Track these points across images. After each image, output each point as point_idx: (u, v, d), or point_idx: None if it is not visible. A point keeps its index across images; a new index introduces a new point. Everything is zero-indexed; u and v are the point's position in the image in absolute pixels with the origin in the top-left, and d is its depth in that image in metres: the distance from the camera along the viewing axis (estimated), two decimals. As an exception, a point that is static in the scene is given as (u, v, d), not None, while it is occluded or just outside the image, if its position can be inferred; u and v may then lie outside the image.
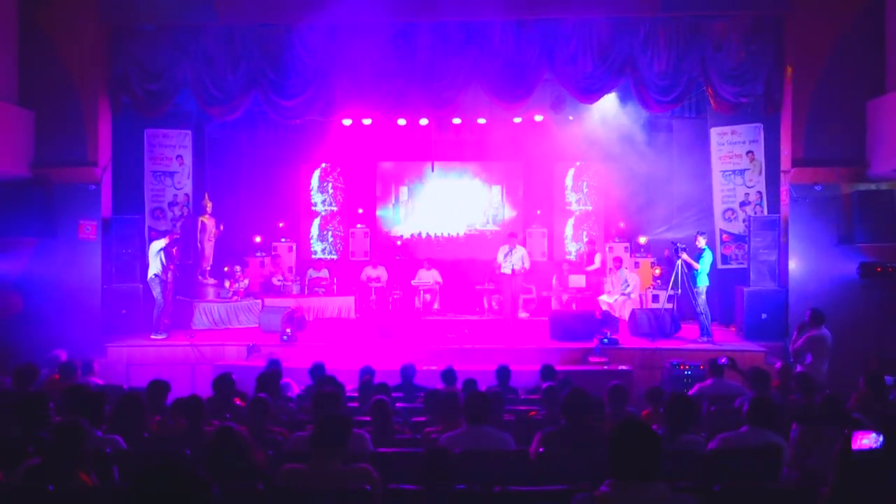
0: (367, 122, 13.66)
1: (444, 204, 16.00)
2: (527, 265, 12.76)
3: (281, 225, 15.48)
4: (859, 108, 10.49)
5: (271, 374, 6.93)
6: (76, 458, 3.96)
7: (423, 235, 16.03)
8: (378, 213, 16.11)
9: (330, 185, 16.07)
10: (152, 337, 11.24)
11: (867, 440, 3.02)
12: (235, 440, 4.07)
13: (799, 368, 8.52)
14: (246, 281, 13.48)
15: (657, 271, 13.50)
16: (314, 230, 16.04)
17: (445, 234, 16.00)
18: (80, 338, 10.50)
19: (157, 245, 11.38)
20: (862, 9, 10.51)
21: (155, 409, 6.06)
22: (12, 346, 10.19)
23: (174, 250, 11.61)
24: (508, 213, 15.96)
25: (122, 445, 4.91)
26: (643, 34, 11.00)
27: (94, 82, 11.23)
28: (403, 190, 16.11)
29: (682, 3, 10.78)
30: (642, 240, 14.43)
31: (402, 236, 15.99)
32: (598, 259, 14.26)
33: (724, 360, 7.73)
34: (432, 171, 15.24)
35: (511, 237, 13.02)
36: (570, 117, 13.43)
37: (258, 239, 15.00)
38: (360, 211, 16.03)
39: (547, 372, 7.82)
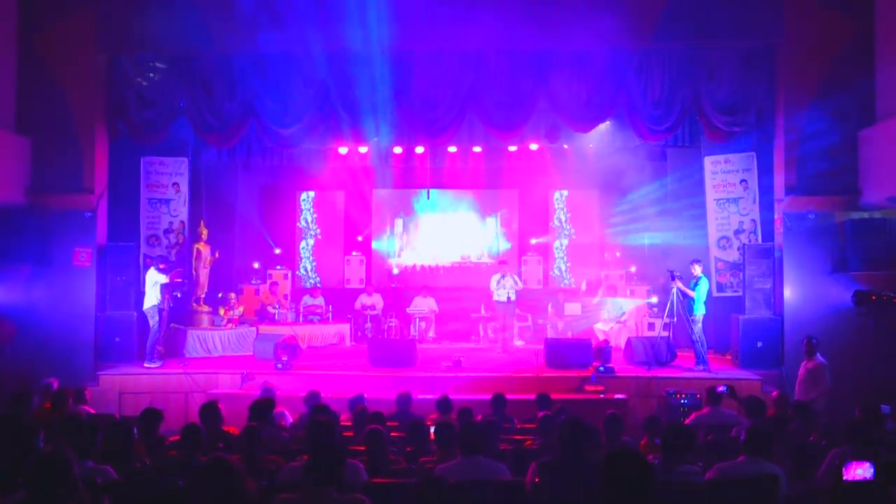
0: (363, 150, 13.72)
1: (440, 235, 16.02)
2: (520, 285, 12.81)
3: (277, 251, 15.49)
4: (851, 138, 10.58)
5: (265, 403, 6.87)
6: (64, 489, 3.89)
7: (419, 267, 16.02)
8: (374, 242, 16.12)
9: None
10: (146, 365, 11.14)
11: (860, 470, 3.00)
12: (227, 470, 4.01)
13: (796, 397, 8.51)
14: (241, 308, 13.43)
15: (653, 299, 13.44)
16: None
17: (441, 265, 15.99)
18: (73, 365, 10.47)
19: (157, 278, 11.30)
20: (853, 40, 10.64)
21: (147, 439, 5.99)
22: (5, 373, 10.12)
23: (175, 292, 11.60)
24: (503, 244, 15.99)
25: (112, 476, 4.85)
26: (637, 63, 11.11)
27: (91, 109, 11.27)
28: (398, 221, 16.14)
29: (676, 32, 10.87)
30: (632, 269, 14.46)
31: (398, 265, 16.01)
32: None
33: (722, 389, 7.70)
34: (428, 197, 15.27)
35: (502, 264, 13.06)
36: (565, 146, 13.50)
37: (256, 265, 14.99)
38: (360, 238, 16.08)
39: (543, 401, 7.78)
